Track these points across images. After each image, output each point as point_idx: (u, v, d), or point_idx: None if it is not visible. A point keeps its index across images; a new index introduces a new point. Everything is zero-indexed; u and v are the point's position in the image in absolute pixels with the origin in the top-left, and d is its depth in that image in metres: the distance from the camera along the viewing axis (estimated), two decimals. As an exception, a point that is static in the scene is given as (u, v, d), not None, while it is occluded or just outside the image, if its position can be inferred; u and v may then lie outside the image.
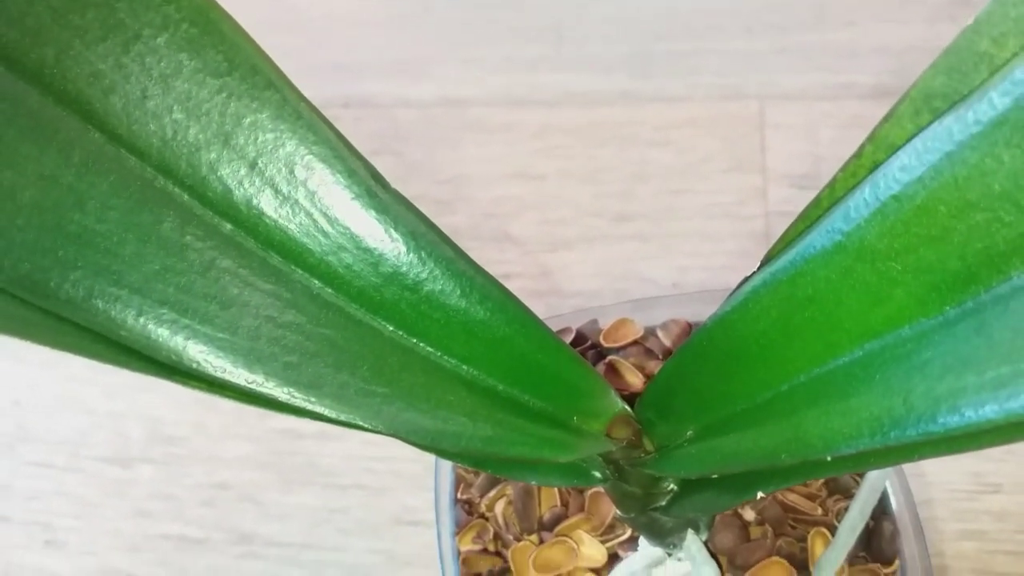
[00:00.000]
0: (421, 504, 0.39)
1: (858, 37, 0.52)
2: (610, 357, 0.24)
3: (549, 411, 0.17)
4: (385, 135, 0.53)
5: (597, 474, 0.18)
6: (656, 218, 0.46)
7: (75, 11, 0.15)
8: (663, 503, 0.18)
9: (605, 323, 0.25)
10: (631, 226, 0.46)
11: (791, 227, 0.15)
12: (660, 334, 0.24)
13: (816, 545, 0.22)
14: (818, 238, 0.14)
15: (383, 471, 0.40)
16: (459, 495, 0.24)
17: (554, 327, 0.25)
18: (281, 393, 0.15)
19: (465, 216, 0.49)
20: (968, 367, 0.11)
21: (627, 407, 0.18)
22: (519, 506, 0.22)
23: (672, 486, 0.18)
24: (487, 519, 0.23)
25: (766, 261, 0.15)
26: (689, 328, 0.24)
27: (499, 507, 0.22)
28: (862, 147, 0.14)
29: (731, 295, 0.16)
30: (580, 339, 0.25)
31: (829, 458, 0.13)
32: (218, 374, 0.15)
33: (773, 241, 0.45)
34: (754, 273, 0.16)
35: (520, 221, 0.48)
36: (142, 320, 0.15)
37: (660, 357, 0.24)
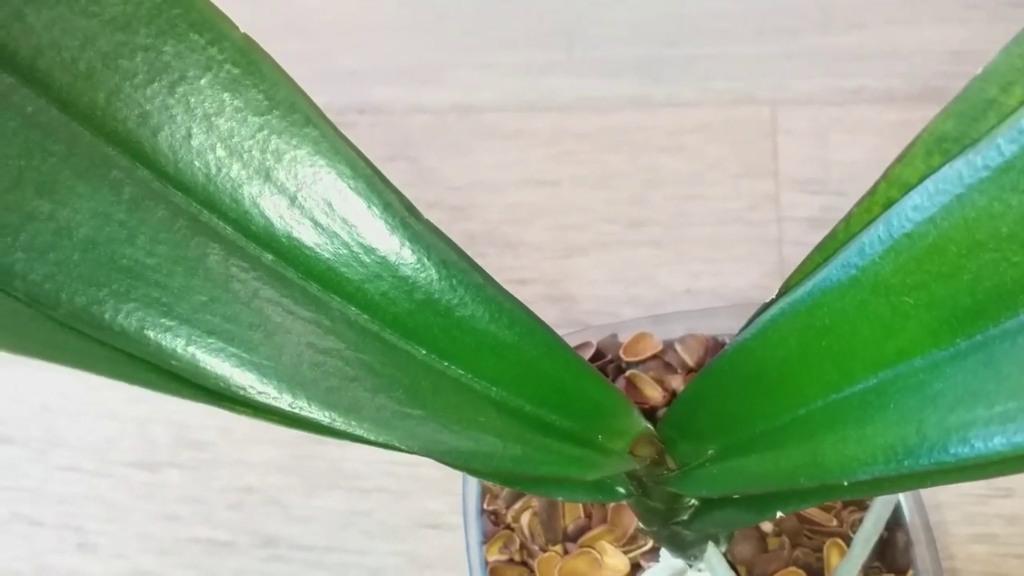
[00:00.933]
0: (442, 507, 0.39)
1: (867, 40, 0.52)
2: (630, 371, 0.25)
3: (575, 430, 0.18)
4: (399, 141, 0.54)
5: (621, 490, 0.19)
6: (669, 224, 0.47)
7: (125, 55, 0.16)
8: (685, 518, 0.19)
9: (624, 337, 0.26)
10: (644, 232, 0.47)
11: (808, 258, 0.16)
12: (679, 348, 0.25)
13: (832, 556, 0.23)
14: (834, 271, 0.15)
15: (404, 475, 0.40)
16: (485, 506, 0.24)
17: (573, 342, 0.26)
18: (323, 417, 0.16)
19: (479, 222, 0.49)
20: (978, 400, 0.12)
21: (650, 426, 0.18)
22: (544, 517, 0.23)
23: (694, 502, 0.19)
24: (513, 530, 0.24)
25: (784, 290, 0.16)
26: (707, 342, 0.25)
27: (525, 519, 0.23)
28: (876, 185, 0.14)
29: (750, 322, 0.17)
30: (600, 354, 0.26)
31: (846, 483, 0.14)
32: (264, 400, 0.16)
33: (785, 247, 0.46)
34: (772, 301, 0.16)
35: (534, 227, 0.48)
36: (191, 349, 0.15)
37: (679, 371, 0.25)
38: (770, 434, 0.16)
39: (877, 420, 0.14)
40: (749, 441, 0.17)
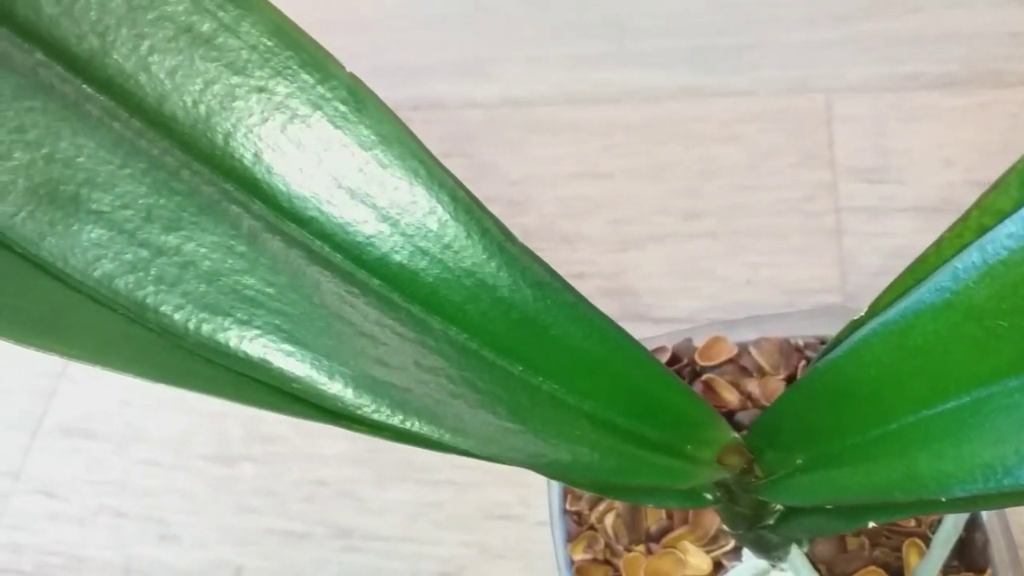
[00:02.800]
0: (510, 499, 0.41)
1: (924, 24, 0.52)
2: (706, 375, 0.25)
3: (665, 441, 0.19)
4: (454, 137, 0.55)
5: (709, 497, 0.19)
6: (725, 215, 0.47)
7: (241, 97, 0.17)
8: (771, 522, 0.20)
9: (699, 342, 0.27)
10: (700, 224, 0.47)
11: (899, 279, 0.16)
12: (753, 351, 0.26)
13: (911, 556, 0.23)
14: (927, 294, 0.15)
15: (472, 466, 0.42)
16: (568, 507, 0.25)
17: (650, 347, 0.27)
18: (433, 433, 0.17)
19: (536, 217, 0.50)
20: (1076, 423, 0.13)
21: (737, 435, 0.19)
22: (627, 519, 0.24)
23: (780, 507, 0.19)
24: (596, 530, 0.25)
25: (874, 309, 0.17)
26: (781, 344, 0.26)
27: (608, 520, 0.24)
28: (969, 212, 0.15)
29: (838, 339, 0.17)
30: (675, 358, 0.26)
31: (943, 499, 0.14)
32: (379, 418, 0.17)
33: (844, 237, 0.46)
34: (862, 318, 0.17)
35: (590, 221, 0.49)
36: (312, 373, 0.16)
37: (754, 374, 0.25)
38: (861, 447, 0.17)
39: (974, 439, 0.14)
40: (838, 453, 0.17)
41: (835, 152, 0.48)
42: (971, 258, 0.14)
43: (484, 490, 0.41)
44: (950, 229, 0.15)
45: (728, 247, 0.46)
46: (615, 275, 0.47)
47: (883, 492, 0.15)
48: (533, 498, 0.41)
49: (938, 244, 0.15)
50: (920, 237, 0.46)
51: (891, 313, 0.16)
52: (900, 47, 0.51)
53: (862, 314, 0.17)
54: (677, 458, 0.19)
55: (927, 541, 0.23)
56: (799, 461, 0.18)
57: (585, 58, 0.56)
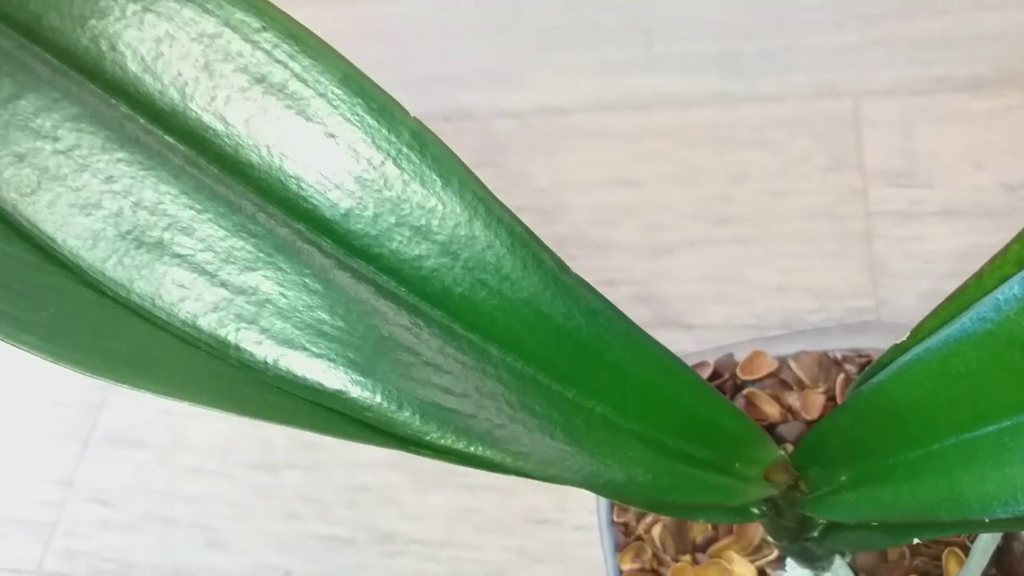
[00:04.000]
0: (547, 504, 0.42)
1: (951, 26, 0.52)
2: (747, 389, 0.26)
3: (715, 460, 0.20)
4: (485, 146, 0.56)
5: (756, 511, 0.20)
6: (757, 220, 0.47)
7: (312, 144, 0.18)
8: (815, 535, 0.20)
9: (740, 356, 0.27)
10: (732, 229, 0.48)
11: (940, 307, 0.17)
12: (793, 365, 0.26)
13: (950, 564, 0.24)
14: (969, 323, 0.16)
15: (510, 473, 0.43)
16: (615, 518, 0.26)
17: (691, 362, 0.27)
18: (495, 456, 0.18)
19: (568, 224, 0.51)
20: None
21: (783, 453, 0.20)
22: (674, 529, 0.25)
23: (824, 520, 0.20)
24: (643, 540, 0.26)
25: (916, 334, 0.17)
26: (820, 358, 0.26)
27: (656, 531, 0.25)
28: (1009, 245, 0.16)
29: (880, 362, 0.18)
30: (717, 373, 0.27)
31: (987, 519, 0.15)
32: (446, 444, 0.18)
33: (875, 242, 0.46)
34: (904, 341, 0.18)
35: (622, 227, 0.50)
36: (383, 402, 0.17)
37: (794, 387, 0.26)
38: (904, 466, 0.18)
39: (1015, 461, 0.15)
40: (881, 471, 0.18)
41: (864, 156, 0.48)
42: (1012, 290, 0.15)
43: (522, 495, 0.42)
44: (990, 261, 0.16)
45: (760, 252, 0.46)
46: (647, 281, 0.47)
47: (927, 511, 0.16)
48: (570, 502, 0.42)
49: (979, 275, 0.16)
50: (950, 241, 0.47)
51: (934, 340, 0.16)
52: (928, 49, 0.51)
53: (904, 339, 0.18)
54: (726, 476, 0.20)
55: (966, 550, 0.24)
56: (843, 478, 0.19)
57: (614, 65, 0.56)
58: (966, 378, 0.16)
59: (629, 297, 0.47)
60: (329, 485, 0.45)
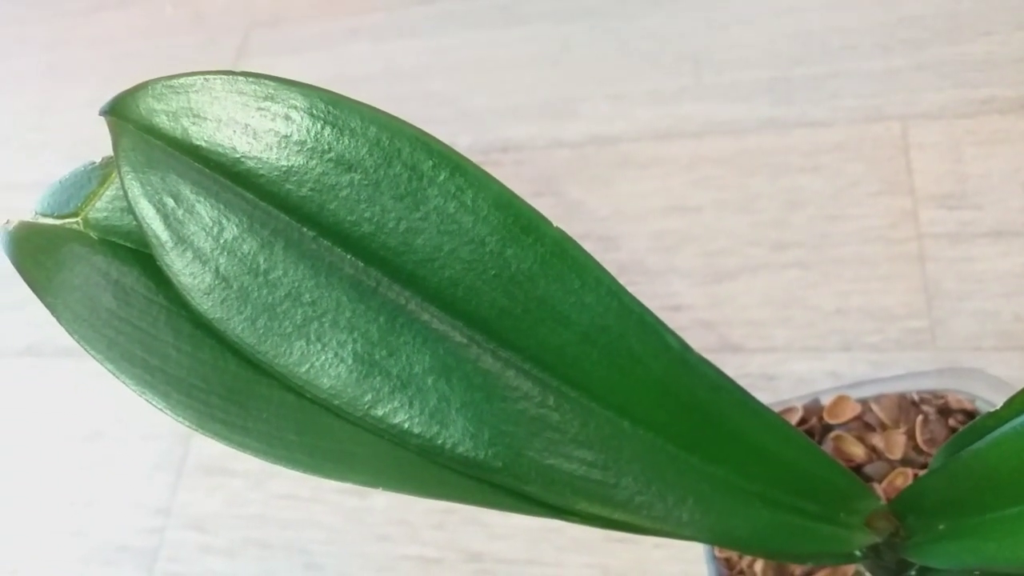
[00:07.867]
0: (627, 524, 0.44)
1: (996, 47, 0.54)
2: (834, 432, 0.29)
3: (822, 512, 0.22)
4: (543, 177, 0.58)
5: (859, 554, 0.23)
6: (813, 245, 0.50)
7: (477, 261, 0.20)
8: (912, 573, 0.23)
9: (825, 401, 0.30)
10: (790, 254, 0.50)
11: (1034, 384, 0.19)
12: (875, 407, 0.29)
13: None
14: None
15: (590, 495, 0.45)
16: (717, 553, 0.29)
17: (779, 408, 0.30)
18: (636, 520, 0.21)
19: (628, 252, 0.53)
20: None
21: (883, 502, 0.22)
22: (775, 564, 0.27)
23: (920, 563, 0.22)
24: (745, 574, 0.28)
25: (1010, 404, 0.20)
26: (899, 400, 0.29)
27: (758, 565, 0.27)
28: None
29: (974, 428, 0.20)
30: (805, 418, 0.30)
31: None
32: (593, 511, 0.20)
33: (928, 264, 0.48)
34: (999, 410, 0.20)
35: (682, 254, 0.52)
36: (541, 478, 0.20)
37: (877, 429, 0.28)
38: (1001, 521, 0.20)
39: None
40: (979, 525, 0.20)
41: (914, 179, 0.50)
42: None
43: (603, 516, 0.45)
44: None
45: (818, 276, 0.49)
46: (709, 307, 0.50)
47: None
48: (647, 521, 0.44)
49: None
50: (1001, 261, 0.49)
51: (1031, 417, 0.19)
52: (973, 71, 0.53)
53: (998, 407, 0.20)
54: (833, 526, 0.22)
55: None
56: (941, 527, 0.21)
57: (665, 95, 0.58)
58: (1061, 451, 0.18)
59: (693, 322, 0.49)
60: (417, 508, 0.48)
